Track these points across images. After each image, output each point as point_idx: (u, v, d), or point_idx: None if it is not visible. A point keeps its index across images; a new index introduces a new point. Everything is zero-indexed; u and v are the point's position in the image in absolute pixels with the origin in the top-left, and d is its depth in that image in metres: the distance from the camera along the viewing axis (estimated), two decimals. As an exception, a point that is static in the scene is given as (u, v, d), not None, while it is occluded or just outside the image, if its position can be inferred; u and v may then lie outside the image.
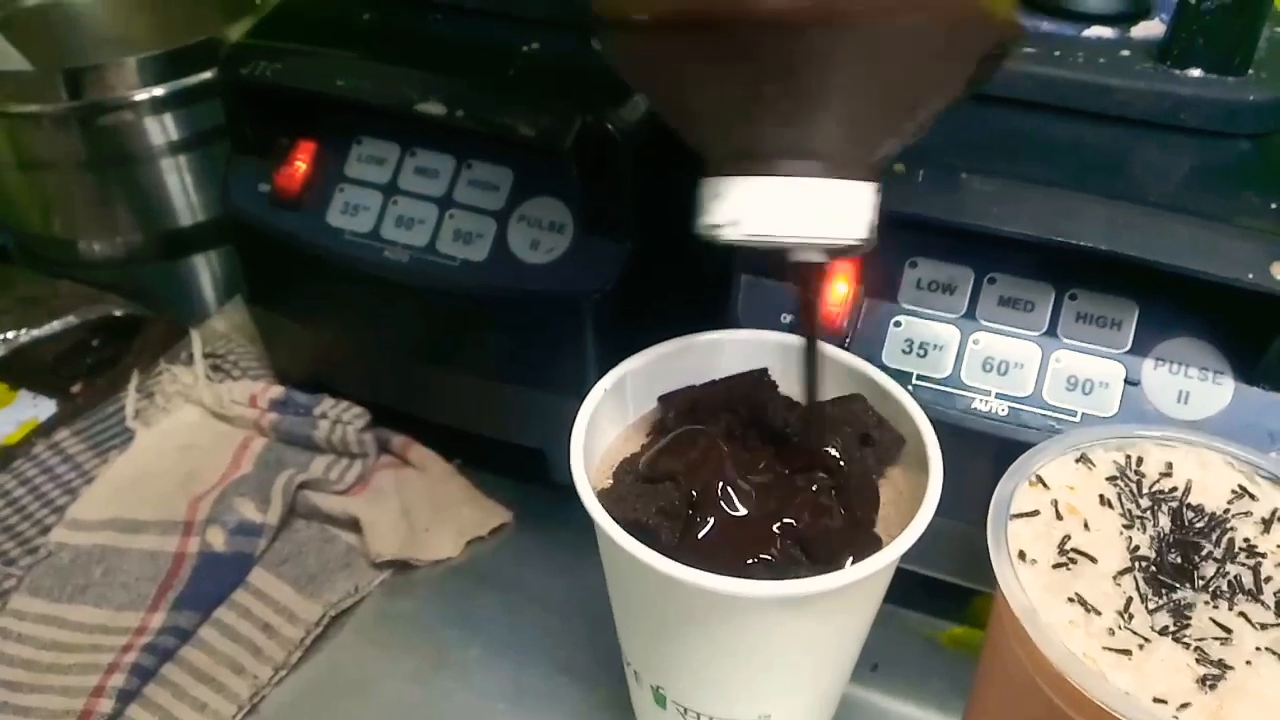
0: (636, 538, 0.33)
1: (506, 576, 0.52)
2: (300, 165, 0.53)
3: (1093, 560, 0.31)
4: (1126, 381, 0.41)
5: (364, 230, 0.51)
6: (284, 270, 0.54)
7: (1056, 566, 0.30)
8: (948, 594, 0.48)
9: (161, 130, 0.67)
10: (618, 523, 0.33)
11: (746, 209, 0.29)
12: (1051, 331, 0.42)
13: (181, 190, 0.70)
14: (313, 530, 0.55)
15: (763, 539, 0.33)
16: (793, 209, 0.29)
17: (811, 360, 0.35)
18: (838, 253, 0.31)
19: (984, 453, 0.41)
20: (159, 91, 0.66)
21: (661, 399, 0.39)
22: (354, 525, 0.55)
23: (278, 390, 0.60)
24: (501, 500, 0.56)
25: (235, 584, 0.51)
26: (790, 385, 0.39)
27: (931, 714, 0.46)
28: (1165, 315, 0.41)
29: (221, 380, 0.63)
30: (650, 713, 0.39)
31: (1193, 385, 0.41)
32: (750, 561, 0.32)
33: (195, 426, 0.61)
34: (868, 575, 0.31)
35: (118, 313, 0.68)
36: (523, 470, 0.57)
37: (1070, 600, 0.29)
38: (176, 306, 0.68)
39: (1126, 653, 0.28)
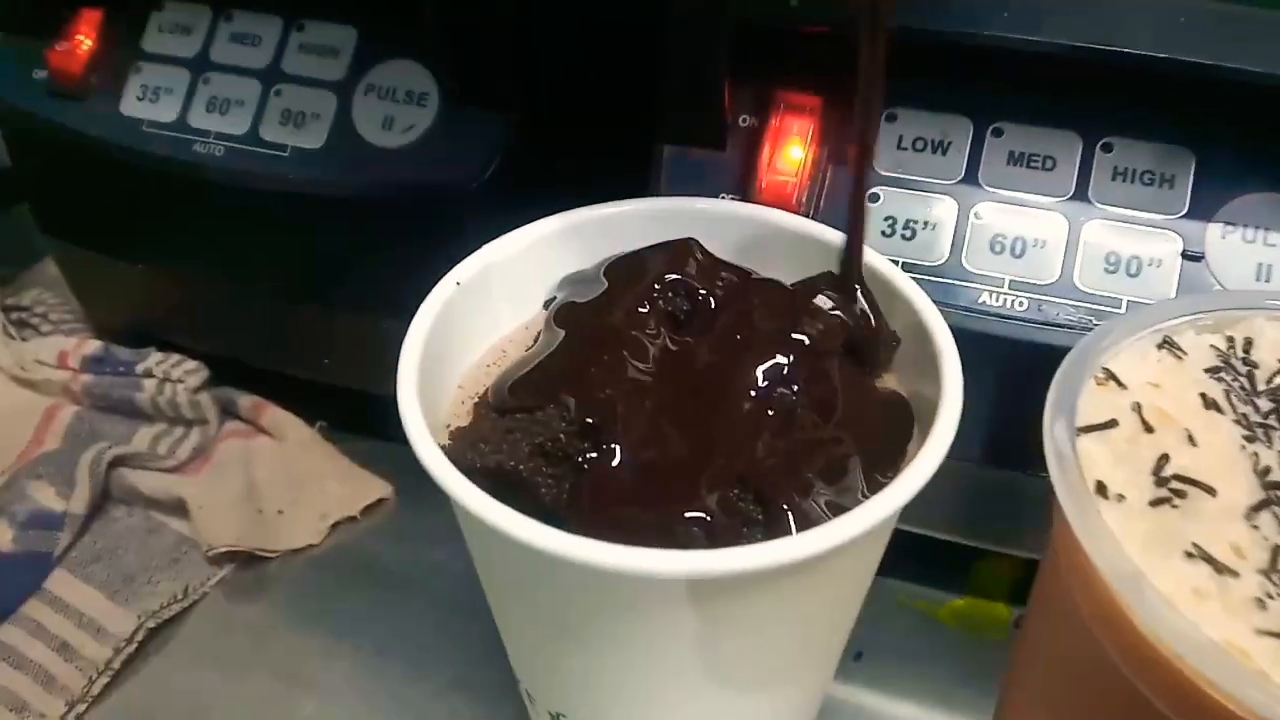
0: (505, 496, 0.22)
1: (384, 567, 0.44)
2: (83, 40, 0.43)
3: (1209, 492, 0.20)
4: (1185, 256, 0.33)
5: (168, 119, 0.42)
6: (74, 181, 0.45)
7: (1157, 503, 0.20)
8: (945, 557, 0.41)
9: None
10: (475, 474, 0.22)
11: None
12: (1081, 195, 0.34)
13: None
14: (135, 519, 0.46)
15: (696, 487, 0.22)
16: None
17: (860, 184, 0.24)
18: None
19: (996, 363, 0.33)
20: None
21: (548, 303, 0.27)
22: (185, 510, 0.45)
23: (93, 345, 0.50)
24: (378, 471, 0.47)
25: (26, 594, 0.42)
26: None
27: (933, 709, 0.39)
28: (1233, 163, 0.33)
29: (28, 338, 0.53)
30: (553, 748, 0.27)
31: (1276, 256, 0.32)
32: (677, 523, 0.21)
33: (-11, 396, 0.50)
34: (857, 536, 0.20)
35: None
36: (403, 432, 0.46)
37: (1189, 555, 0.19)
38: (8, 265, 0.58)
39: (1292, 636, 0.17)
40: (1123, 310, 0.32)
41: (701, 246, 0.27)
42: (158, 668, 0.40)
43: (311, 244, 0.42)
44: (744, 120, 0.35)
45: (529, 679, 0.26)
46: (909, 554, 0.39)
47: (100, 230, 0.46)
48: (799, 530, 0.20)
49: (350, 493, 0.46)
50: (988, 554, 0.40)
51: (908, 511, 0.34)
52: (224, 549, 0.43)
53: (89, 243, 0.47)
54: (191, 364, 0.49)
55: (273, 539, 0.44)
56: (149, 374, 0.48)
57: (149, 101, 0.42)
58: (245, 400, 0.49)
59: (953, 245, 0.34)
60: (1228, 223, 0.32)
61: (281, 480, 0.46)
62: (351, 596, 0.43)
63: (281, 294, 0.44)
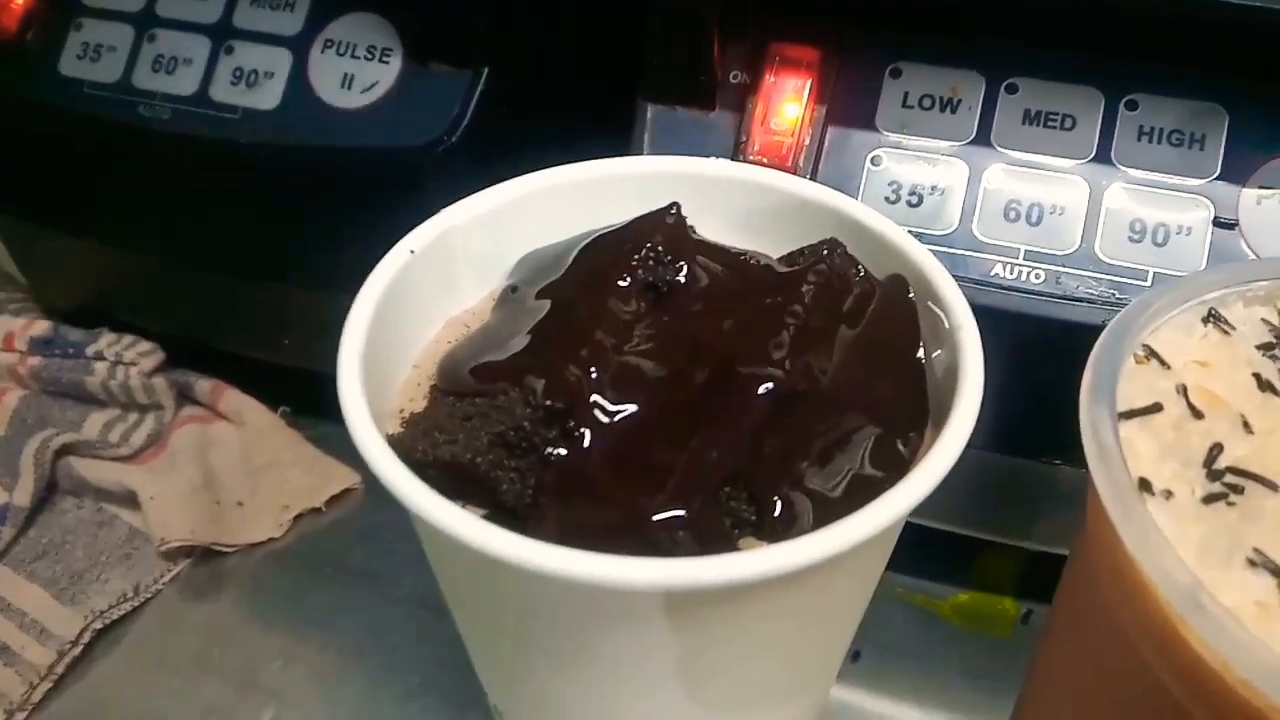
0: (463, 492, 0.20)
1: (350, 562, 0.43)
2: (17, -6, 0.40)
3: (1270, 487, 0.17)
4: (1216, 223, 0.31)
5: (110, 79, 0.40)
6: (11, 147, 0.42)
7: (1211, 500, 0.17)
8: (947, 550, 0.39)
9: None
10: (429, 468, 0.19)
11: None
12: (1103, 157, 0.32)
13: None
14: (84, 512, 0.44)
15: (679, 484, 0.19)
16: None
17: None
18: None
19: (1010, 340, 0.31)
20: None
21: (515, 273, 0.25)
22: (137, 501, 0.43)
23: (42, 326, 0.48)
24: (344, 459, 0.46)
25: (-36, 593, 0.40)
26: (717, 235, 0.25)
27: (936, 712, 0.37)
28: (1268, 122, 0.31)
29: (-27, 320, 0.50)
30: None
31: (1318, 223, 0.29)
32: (656, 526, 0.19)
33: (-70, 382, 0.48)
34: (858, 543, 0.18)
35: None
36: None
37: (1251, 563, 0.16)
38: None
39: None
40: (1148, 283, 0.30)
41: (682, 218, 0.24)
42: (104, 672, 0.38)
43: (267, 213, 0.39)
44: (735, 76, 0.33)
45: (495, 693, 0.24)
46: (909, 545, 0.37)
47: (41, 200, 0.43)
48: (795, 535, 0.18)
49: (314, 482, 0.44)
50: (994, 546, 0.39)
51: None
52: (178, 543, 0.41)
53: (30, 214, 0.44)
54: (145, 345, 0.46)
55: (231, 532, 0.42)
56: (100, 356, 0.46)
57: (90, 60, 0.39)
58: (203, 383, 0.47)
59: (963, 212, 0.32)
60: (1263, 187, 0.30)
61: (241, 469, 0.44)
62: (314, 594, 0.41)
63: (237, 268, 0.42)
